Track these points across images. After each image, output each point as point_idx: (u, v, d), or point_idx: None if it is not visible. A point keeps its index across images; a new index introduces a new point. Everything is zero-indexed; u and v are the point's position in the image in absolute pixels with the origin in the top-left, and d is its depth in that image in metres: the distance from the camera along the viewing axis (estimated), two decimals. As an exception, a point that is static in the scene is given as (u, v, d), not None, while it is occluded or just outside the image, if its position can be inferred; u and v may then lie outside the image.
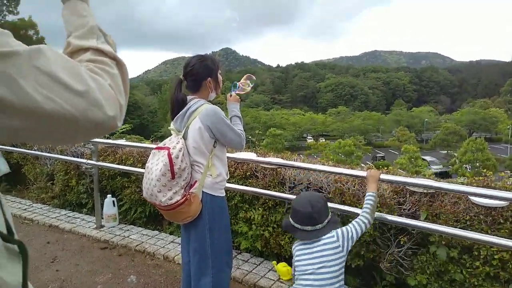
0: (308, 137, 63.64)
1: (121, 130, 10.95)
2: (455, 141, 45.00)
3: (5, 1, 46.79)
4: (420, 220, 2.46)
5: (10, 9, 47.36)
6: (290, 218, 1.96)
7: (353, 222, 1.98)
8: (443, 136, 47.28)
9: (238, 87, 2.32)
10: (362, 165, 33.46)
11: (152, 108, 75.99)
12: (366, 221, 1.98)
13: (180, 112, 2.11)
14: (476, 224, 2.34)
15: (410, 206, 2.59)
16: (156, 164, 2.01)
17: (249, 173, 3.29)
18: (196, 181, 2.05)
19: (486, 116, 58.62)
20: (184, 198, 1.98)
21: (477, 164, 31.22)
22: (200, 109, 2.05)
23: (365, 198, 2.10)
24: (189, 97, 2.15)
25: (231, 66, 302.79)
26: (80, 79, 0.61)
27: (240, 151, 2.89)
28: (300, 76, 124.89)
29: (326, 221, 1.91)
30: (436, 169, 39.13)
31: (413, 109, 74.49)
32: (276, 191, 3.10)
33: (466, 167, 31.76)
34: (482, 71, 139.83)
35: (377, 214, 2.32)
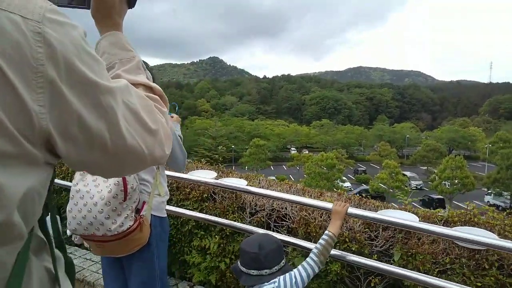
0: (292, 149, 63.78)
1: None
2: (435, 157, 45.72)
3: None
4: (393, 260, 2.13)
5: None
6: (239, 260, 1.67)
7: (299, 266, 1.65)
8: (423, 153, 48.01)
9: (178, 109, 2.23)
10: (344, 183, 33.63)
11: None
12: (311, 267, 1.66)
13: None
14: (457, 268, 2.02)
15: (382, 243, 2.25)
16: (97, 185, 1.72)
17: (206, 195, 2.90)
18: (144, 203, 1.80)
19: (465, 135, 60.02)
20: (138, 222, 1.72)
21: (456, 181, 31.64)
22: None
23: (321, 237, 1.77)
24: None
25: (217, 75, 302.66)
26: (154, 118, 0.63)
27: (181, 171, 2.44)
28: (286, 88, 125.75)
29: (277, 268, 1.57)
30: (416, 184, 39.68)
31: (395, 125, 75.70)
32: (235, 217, 2.73)
33: (445, 183, 32.13)
34: (462, 91, 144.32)
35: (337, 252, 1.99)
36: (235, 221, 2.74)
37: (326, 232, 1.80)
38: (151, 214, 1.83)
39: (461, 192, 31.93)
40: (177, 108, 2.20)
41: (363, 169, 48.34)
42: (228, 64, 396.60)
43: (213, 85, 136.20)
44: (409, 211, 2.53)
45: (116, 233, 1.67)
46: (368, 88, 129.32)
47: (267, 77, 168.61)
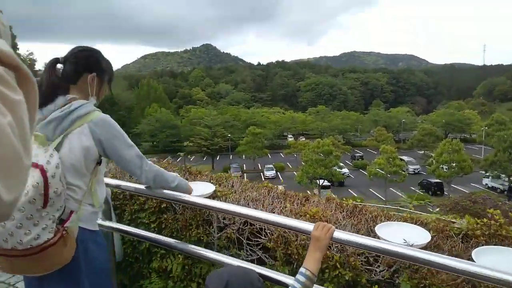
0: (289, 136, 63.23)
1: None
2: (431, 141, 45.36)
3: None
4: (399, 294, 1.61)
5: None
6: None
7: None
8: (420, 137, 47.62)
9: None
10: (341, 170, 33.13)
11: (128, 104, 73.68)
12: None
13: (57, 115, 1.51)
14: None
15: (384, 269, 1.72)
16: None
17: (164, 205, 2.35)
18: (71, 212, 1.51)
19: (461, 118, 59.56)
20: (59, 235, 1.42)
21: (454, 164, 31.32)
22: (90, 116, 1.53)
23: (295, 277, 1.26)
24: (62, 97, 1.55)
25: (211, 63, 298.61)
26: None
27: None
28: (280, 74, 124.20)
29: None
30: (414, 168, 39.40)
31: (391, 110, 75.05)
32: (199, 233, 2.19)
33: (442, 167, 31.83)
34: (456, 74, 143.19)
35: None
36: (199, 238, 2.20)
37: (302, 270, 1.28)
38: (79, 227, 1.54)
39: (459, 176, 31.65)
40: None
41: (360, 154, 47.95)
42: (222, 51, 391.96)
43: (208, 73, 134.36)
44: (416, 221, 2.00)
45: (28, 246, 1.36)
46: (362, 73, 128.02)
47: (261, 63, 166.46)
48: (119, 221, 2.49)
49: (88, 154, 1.53)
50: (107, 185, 2.14)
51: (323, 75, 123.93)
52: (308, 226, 1.44)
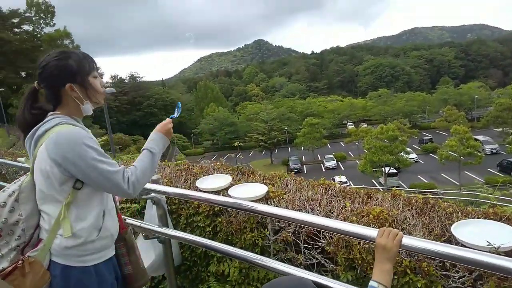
0: (349, 123, 61.24)
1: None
2: (510, 117, 40.72)
3: (41, 15, 49.49)
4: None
5: (47, 21, 50.10)
6: None
7: None
8: (496, 113, 42.98)
9: (180, 108, 1.80)
10: (409, 155, 30.93)
11: (189, 106, 77.00)
12: None
13: (30, 133, 1.41)
14: None
15: (464, 275, 1.48)
16: None
17: (218, 208, 2.30)
18: (40, 240, 1.39)
19: (546, 87, 52.63)
20: (14, 264, 1.30)
21: (540, 141, 27.75)
22: (50, 132, 1.34)
23: None
24: (50, 114, 1.43)
25: (264, 57, 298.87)
26: None
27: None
28: (336, 61, 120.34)
29: None
30: (491, 148, 35.66)
31: (461, 86, 68.52)
32: (254, 236, 2.10)
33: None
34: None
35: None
36: (255, 241, 2.12)
37: (373, 284, 1.12)
38: (51, 260, 1.37)
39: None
40: (179, 108, 1.80)
41: (429, 137, 44.71)
42: (274, 45, 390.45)
43: (261, 68, 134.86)
44: (501, 217, 1.71)
45: None
46: (426, 49, 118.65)
47: (315, 52, 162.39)
48: (176, 225, 2.51)
49: (49, 177, 1.34)
50: (160, 192, 2.14)
51: (383, 56, 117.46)
52: (371, 232, 1.26)
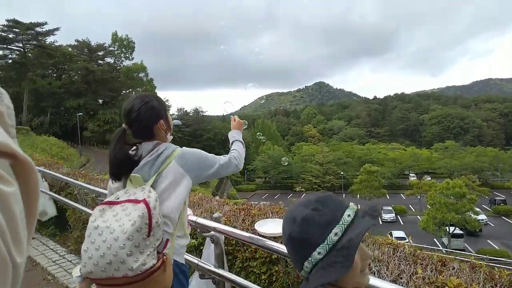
0: (411, 175, 57.71)
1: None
2: None
3: (123, 49, 55.66)
4: None
5: (127, 55, 56.19)
6: None
7: None
8: None
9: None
10: (478, 216, 27.90)
11: (246, 142, 78.69)
12: None
13: (148, 159, 1.71)
14: None
15: None
16: (118, 219, 1.51)
17: (275, 256, 2.22)
18: (167, 240, 1.63)
19: None
20: (161, 260, 1.53)
21: None
22: (175, 153, 1.73)
23: None
24: (147, 143, 1.76)
25: (324, 100, 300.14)
26: None
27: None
28: (400, 107, 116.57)
29: None
30: None
31: (543, 144, 62.23)
32: None
33: None
34: None
35: None
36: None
37: None
38: (172, 259, 1.66)
39: None
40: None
41: (502, 198, 40.42)
42: (335, 87, 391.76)
43: (320, 110, 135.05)
44: None
45: (139, 272, 1.44)
46: (501, 102, 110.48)
47: (377, 97, 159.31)
48: (231, 267, 2.46)
49: (179, 185, 1.68)
50: (219, 231, 2.14)
51: (451, 106, 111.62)
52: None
